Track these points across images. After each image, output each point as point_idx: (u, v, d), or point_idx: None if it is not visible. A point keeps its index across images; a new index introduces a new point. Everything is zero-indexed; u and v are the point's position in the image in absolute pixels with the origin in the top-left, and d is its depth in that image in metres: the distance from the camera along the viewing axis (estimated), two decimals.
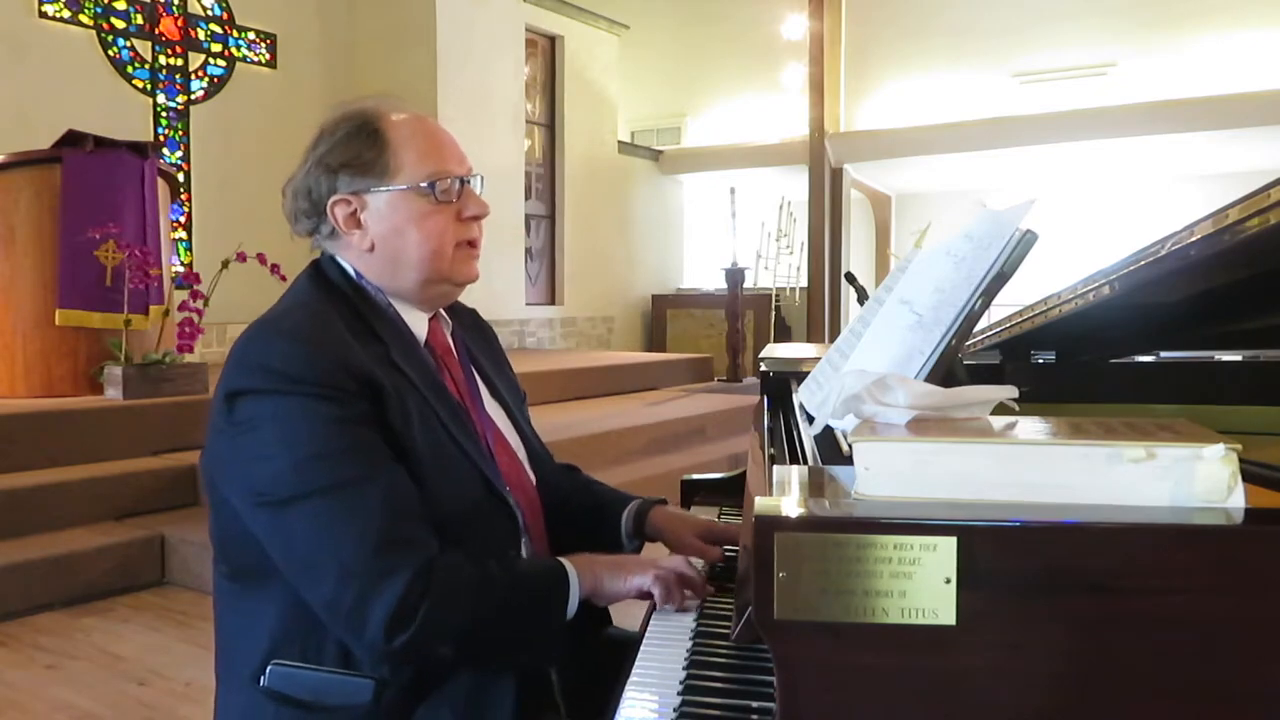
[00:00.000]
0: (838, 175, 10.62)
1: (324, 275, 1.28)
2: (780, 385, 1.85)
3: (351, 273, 1.27)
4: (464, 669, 1.16)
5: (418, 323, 1.30)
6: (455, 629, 1.08)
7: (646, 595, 1.21)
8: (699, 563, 1.31)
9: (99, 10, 6.82)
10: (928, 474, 0.77)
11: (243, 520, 1.14)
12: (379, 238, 1.25)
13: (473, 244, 1.29)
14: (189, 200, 7.36)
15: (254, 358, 1.13)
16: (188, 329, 4.59)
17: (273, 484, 1.09)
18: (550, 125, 9.90)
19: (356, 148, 1.24)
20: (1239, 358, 1.79)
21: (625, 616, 1.50)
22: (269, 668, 1.15)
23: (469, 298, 1.40)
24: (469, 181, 1.28)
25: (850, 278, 2.56)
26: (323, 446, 1.08)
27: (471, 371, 1.37)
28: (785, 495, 0.81)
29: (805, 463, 1.13)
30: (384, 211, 1.24)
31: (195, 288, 4.71)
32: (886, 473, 0.78)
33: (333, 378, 1.11)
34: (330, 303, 1.22)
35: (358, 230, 1.25)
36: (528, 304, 9.52)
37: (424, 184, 1.23)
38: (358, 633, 1.06)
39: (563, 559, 1.20)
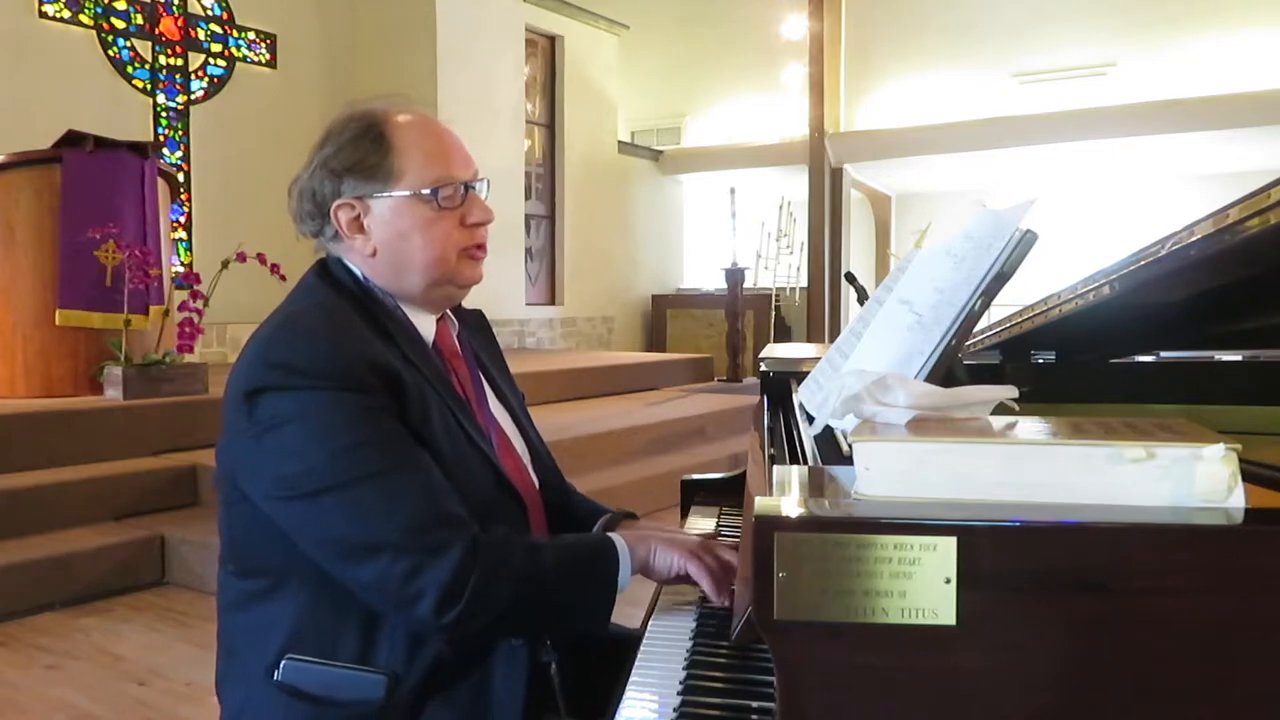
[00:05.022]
0: (838, 175, 10.61)
1: (331, 274, 1.28)
2: (780, 385, 1.85)
3: (359, 275, 1.27)
4: (478, 659, 1.17)
5: (425, 325, 1.30)
6: (503, 602, 1.09)
7: (691, 580, 1.21)
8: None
9: (99, 10, 6.82)
10: (928, 474, 0.77)
11: (261, 519, 1.14)
12: (382, 243, 1.24)
13: (478, 248, 1.29)
14: (189, 200, 7.36)
15: (274, 356, 1.12)
16: (188, 329, 4.59)
17: (306, 477, 1.09)
18: (550, 125, 9.90)
19: (361, 151, 1.23)
20: (1239, 358, 1.79)
21: (621, 614, 1.50)
22: (283, 662, 1.16)
23: (471, 298, 1.40)
24: (474, 187, 1.28)
25: (850, 278, 2.56)
26: (355, 436, 1.09)
27: (478, 373, 1.38)
28: (785, 495, 0.81)
29: (805, 463, 1.13)
30: (387, 217, 1.24)
31: (195, 288, 4.71)
32: (886, 473, 0.78)
33: (356, 371, 1.11)
34: (343, 301, 1.23)
35: (361, 235, 1.25)
36: (528, 304, 9.52)
37: (427, 190, 1.23)
38: (410, 607, 1.07)
39: (614, 534, 1.22)
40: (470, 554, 1.07)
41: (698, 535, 1.29)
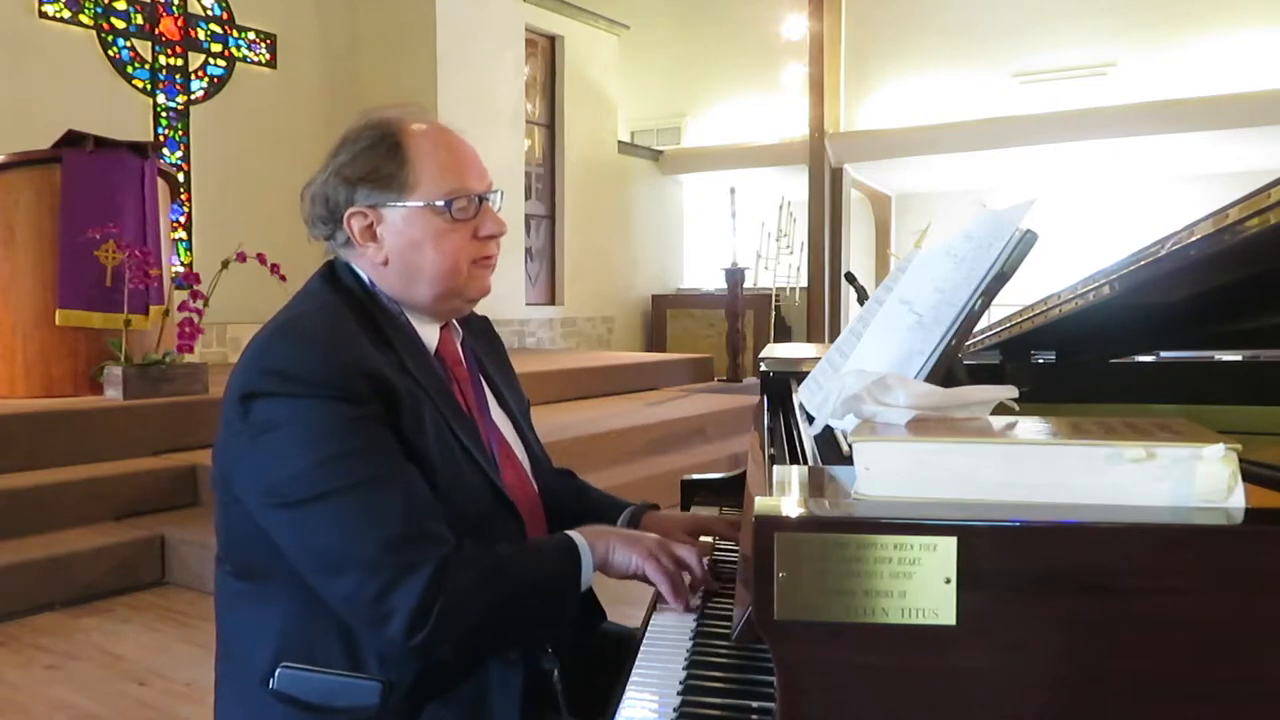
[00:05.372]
0: (838, 175, 10.62)
1: (338, 279, 1.28)
2: (780, 385, 1.85)
3: (366, 280, 1.27)
4: (474, 663, 1.17)
5: (429, 333, 1.31)
6: (471, 622, 1.09)
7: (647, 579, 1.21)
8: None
9: (99, 10, 6.82)
10: (928, 474, 0.77)
11: (253, 520, 1.14)
12: (394, 252, 1.25)
13: (488, 259, 1.30)
14: (189, 200, 7.36)
15: (270, 362, 1.13)
16: (188, 329, 4.59)
17: (293, 484, 1.09)
18: (550, 125, 9.90)
19: (376, 160, 1.24)
20: (1239, 358, 1.79)
21: (621, 614, 1.50)
22: (278, 670, 1.16)
23: None
24: (487, 198, 1.28)
25: (850, 278, 2.56)
26: (342, 446, 1.09)
27: (480, 381, 1.38)
28: (785, 495, 0.81)
29: (805, 463, 1.13)
30: (400, 227, 1.24)
31: (195, 288, 4.71)
32: (886, 473, 0.78)
33: (348, 380, 1.11)
34: (345, 307, 1.23)
35: (373, 243, 1.25)
36: (528, 304, 9.53)
37: (441, 202, 1.24)
38: (381, 627, 1.07)
39: (572, 532, 1.21)
40: (440, 573, 1.06)
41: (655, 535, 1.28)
